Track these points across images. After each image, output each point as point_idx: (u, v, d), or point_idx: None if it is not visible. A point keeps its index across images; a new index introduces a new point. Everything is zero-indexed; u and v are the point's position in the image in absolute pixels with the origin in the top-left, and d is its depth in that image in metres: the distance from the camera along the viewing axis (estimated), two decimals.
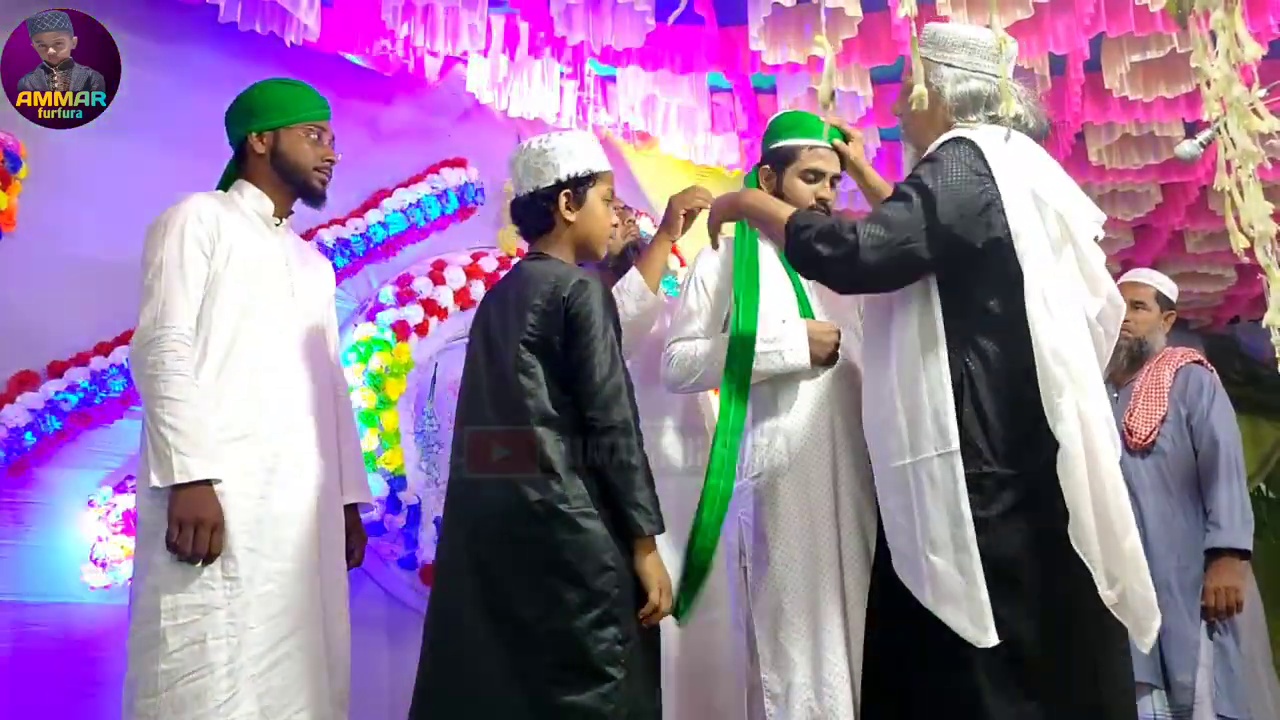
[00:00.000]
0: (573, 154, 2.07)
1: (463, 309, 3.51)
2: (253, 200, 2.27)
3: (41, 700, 2.62)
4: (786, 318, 2.36)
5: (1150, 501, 2.99)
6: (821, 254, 1.94)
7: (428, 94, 3.61)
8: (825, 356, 2.32)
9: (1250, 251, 1.73)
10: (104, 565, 2.72)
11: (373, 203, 3.43)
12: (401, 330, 3.33)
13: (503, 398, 1.98)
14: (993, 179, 1.91)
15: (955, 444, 1.86)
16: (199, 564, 1.98)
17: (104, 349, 2.82)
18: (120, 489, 2.77)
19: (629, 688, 1.85)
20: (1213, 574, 2.91)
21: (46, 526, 2.71)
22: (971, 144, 1.95)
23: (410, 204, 3.47)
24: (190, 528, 1.95)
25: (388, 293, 3.36)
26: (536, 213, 2.09)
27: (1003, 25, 3.02)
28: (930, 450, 1.88)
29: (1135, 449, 3.02)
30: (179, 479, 1.95)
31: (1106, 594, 1.81)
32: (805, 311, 2.40)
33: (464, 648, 1.90)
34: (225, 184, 2.33)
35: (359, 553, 2.37)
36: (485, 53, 3.32)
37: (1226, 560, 2.90)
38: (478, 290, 3.52)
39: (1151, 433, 2.99)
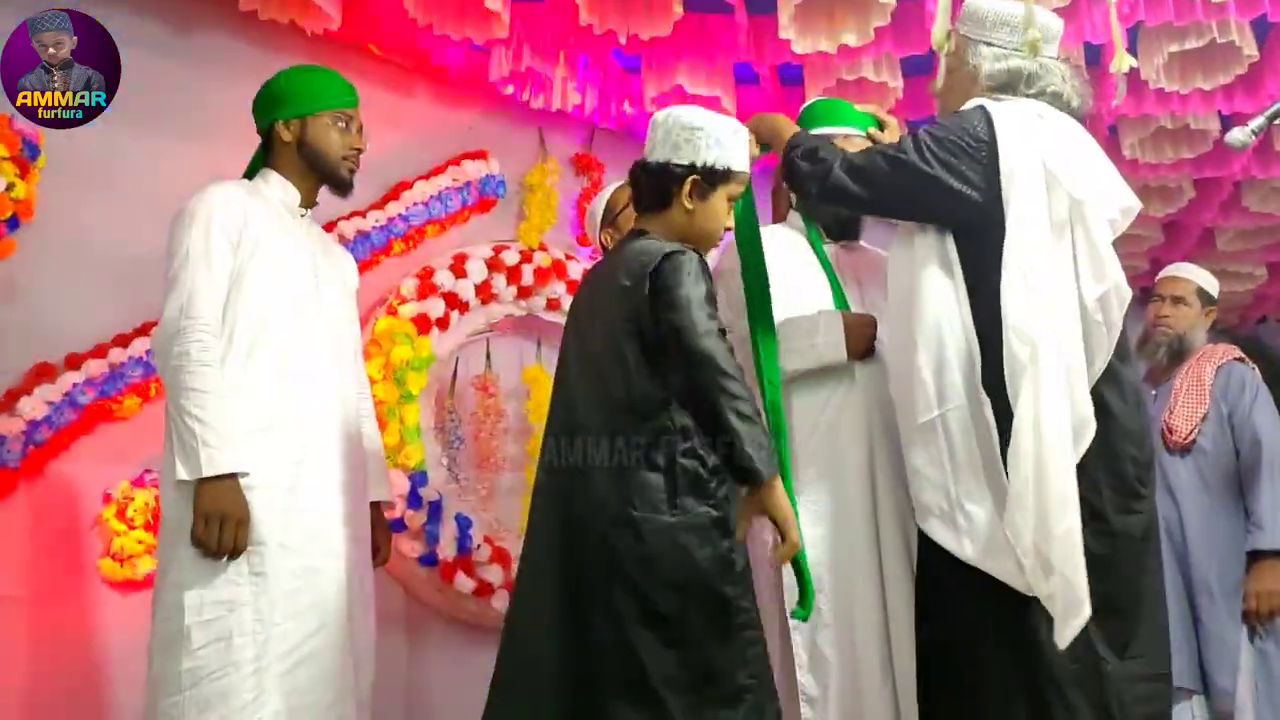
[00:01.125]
0: (719, 143, 1.93)
1: (484, 303, 3.46)
2: (279, 189, 2.24)
3: (58, 697, 2.58)
4: (821, 310, 2.31)
5: (1190, 502, 2.92)
6: (800, 168, 2.07)
7: (449, 85, 3.56)
8: (862, 350, 2.27)
9: None
10: (121, 560, 2.68)
11: (393, 195, 3.38)
12: (422, 324, 3.28)
13: (588, 385, 1.88)
14: (994, 150, 1.91)
15: (984, 393, 1.85)
16: (224, 559, 1.93)
17: (123, 341, 2.78)
18: (138, 483, 2.73)
19: (686, 715, 1.71)
20: (1254, 577, 2.84)
21: (63, 520, 2.67)
22: (984, 112, 1.96)
23: (431, 196, 3.42)
24: (216, 522, 1.91)
25: (409, 285, 3.32)
26: (658, 186, 1.95)
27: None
28: (960, 399, 1.86)
29: (1175, 448, 2.96)
30: (206, 472, 1.91)
31: (1039, 585, 1.77)
32: (840, 303, 2.35)
33: (533, 644, 1.81)
34: (251, 172, 2.29)
35: (385, 550, 2.33)
36: (508, 43, 3.27)
37: (1269, 563, 2.84)
38: (499, 283, 3.47)
39: (1192, 431, 2.93)
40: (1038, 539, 1.77)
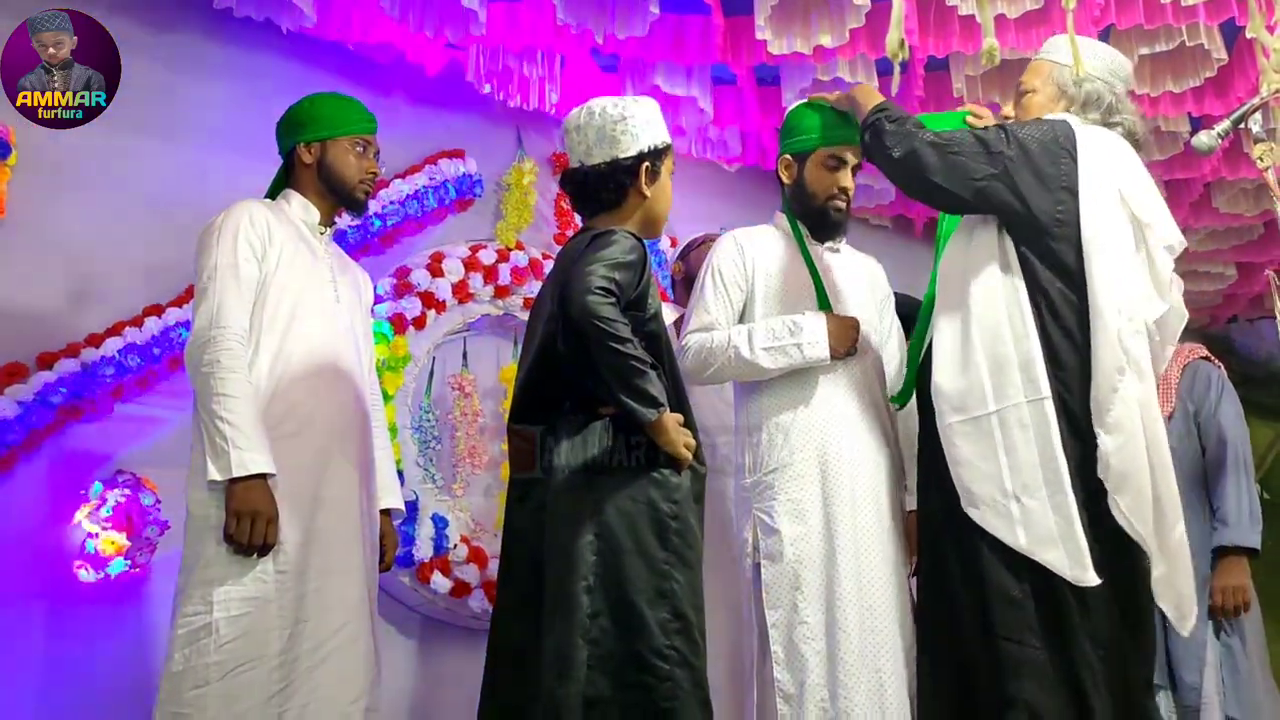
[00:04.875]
0: (651, 123, 1.96)
1: (461, 302, 3.45)
2: (300, 209, 2.33)
3: (30, 699, 2.56)
4: (805, 310, 2.33)
5: None
6: (887, 129, 2.05)
7: (426, 84, 3.55)
8: (844, 350, 2.29)
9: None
10: (95, 561, 2.66)
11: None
12: (399, 323, 3.28)
13: (524, 381, 1.96)
14: (1075, 162, 2.00)
15: (1046, 390, 1.93)
16: (254, 556, 2.00)
17: (95, 340, 2.76)
18: (111, 484, 2.71)
19: (594, 670, 1.74)
20: (1220, 573, 2.87)
21: (36, 522, 2.65)
22: (1067, 125, 2.05)
23: (408, 195, 3.41)
24: (248, 520, 1.98)
25: (385, 285, 3.31)
26: (610, 185, 1.94)
27: (1012, 16, 3.00)
28: (1019, 397, 1.94)
29: None
30: (236, 472, 1.99)
31: (1156, 573, 1.88)
32: (824, 304, 2.37)
33: (514, 632, 1.89)
34: (273, 193, 2.38)
35: (390, 557, 2.40)
36: (485, 42, 3.27)
37: (1233, 559, 2.87)
38: (476, 283, 3.47)
39: None
40: (1159, 540, 1.88)
